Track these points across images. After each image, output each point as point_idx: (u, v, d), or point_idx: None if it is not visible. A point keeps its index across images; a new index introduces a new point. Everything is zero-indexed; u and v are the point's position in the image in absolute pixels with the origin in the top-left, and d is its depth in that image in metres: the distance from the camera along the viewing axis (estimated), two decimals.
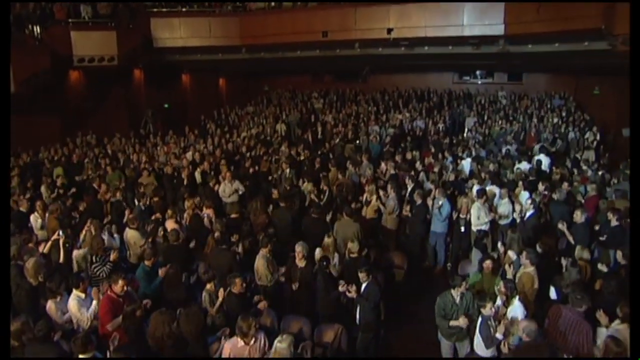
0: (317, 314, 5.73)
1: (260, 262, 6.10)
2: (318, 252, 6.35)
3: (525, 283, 5.45)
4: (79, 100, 14.29)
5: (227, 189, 9.31)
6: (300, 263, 5.95)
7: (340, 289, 5.46)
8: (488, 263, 5.81)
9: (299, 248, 5.95)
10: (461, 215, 7.81)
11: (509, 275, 5.65)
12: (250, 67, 19.49)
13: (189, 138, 14.43)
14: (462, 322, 4.93)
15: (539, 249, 6.12)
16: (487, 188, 8.38)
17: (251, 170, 10.63)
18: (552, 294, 5.47)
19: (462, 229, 7.80)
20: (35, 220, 7.55)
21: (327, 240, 6.41)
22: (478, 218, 7.61)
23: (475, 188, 8.21)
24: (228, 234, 6.80)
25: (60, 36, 12.77)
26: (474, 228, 7.62)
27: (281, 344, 4.22)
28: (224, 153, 12.13)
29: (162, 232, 6.94)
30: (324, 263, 5.84)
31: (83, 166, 11.08)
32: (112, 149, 12.93)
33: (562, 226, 6.80)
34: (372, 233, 8.05)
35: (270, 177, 10.47)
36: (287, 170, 10.13)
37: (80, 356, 3.87)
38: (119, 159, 12.02)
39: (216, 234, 6.60)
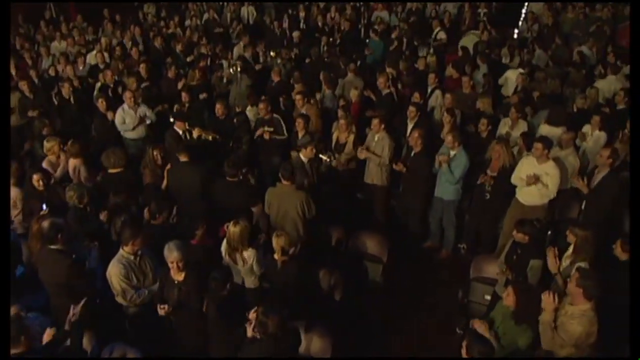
0: None
1: (114, 270, 4.50)
2: (224, 249, 4.95)
3: (569, 334, 3.78)
4: None
5: (127, 117, 7.60)
6: (178, 276, 4.49)
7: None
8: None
9: (172, 255, 4.32)
10: (490, 173, 6.15)
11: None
12: None
13: (105, 28, 12.32)
14: None
15: None
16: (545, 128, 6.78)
17: (179, 84, 8.68)
18: None
19: (488, 196, 6.24)
20: None
21: (233, 229, 4.73)
22: (521, 179, 5.82)
23: (523, 125, 6.87)
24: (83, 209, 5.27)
25: None
26: (520, 199, 5.96)
27: None
28: (144, 54, 10.12)
29: None
30: (216, 277, 4.29)
31: None
32: None
33: None
34: (347, 193, 7.11)
35: (200, 96, 8.37)
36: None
37: None
38: None
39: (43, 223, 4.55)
